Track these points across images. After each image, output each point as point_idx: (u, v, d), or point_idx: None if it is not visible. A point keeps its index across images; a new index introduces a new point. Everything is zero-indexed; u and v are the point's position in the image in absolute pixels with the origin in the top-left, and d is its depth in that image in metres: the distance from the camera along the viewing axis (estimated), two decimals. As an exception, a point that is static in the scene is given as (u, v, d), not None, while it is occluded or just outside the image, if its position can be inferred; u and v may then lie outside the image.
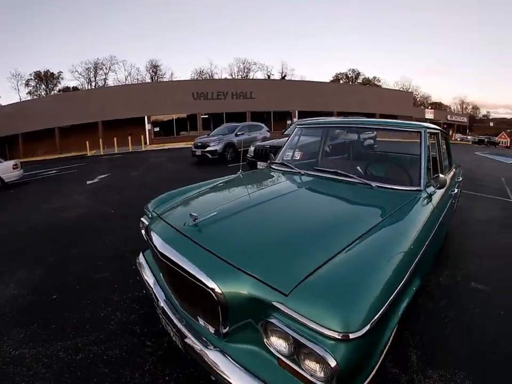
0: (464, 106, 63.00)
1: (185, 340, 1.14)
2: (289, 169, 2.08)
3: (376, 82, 55.71)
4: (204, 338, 1.10)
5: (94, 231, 3.36)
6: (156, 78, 42.76)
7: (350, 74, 59.80)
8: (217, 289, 0.99)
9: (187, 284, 1.12)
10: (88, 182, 6.51)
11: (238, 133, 8.73)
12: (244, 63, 46.22)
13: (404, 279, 1.03)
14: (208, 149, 8.12)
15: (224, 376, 0.97)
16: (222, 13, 71.12)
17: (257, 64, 49.19)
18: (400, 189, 1.61)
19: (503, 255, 2.68)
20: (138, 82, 38.55)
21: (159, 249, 1.26)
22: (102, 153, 15.07)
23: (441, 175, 1.64)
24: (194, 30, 71.62)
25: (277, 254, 1.06)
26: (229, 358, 1.01)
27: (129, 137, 15.96)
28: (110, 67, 41.41)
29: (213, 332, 1.10)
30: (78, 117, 18.45)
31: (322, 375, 0.82)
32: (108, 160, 11.72)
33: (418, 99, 54.16)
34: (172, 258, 1.17)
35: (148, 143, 19.07)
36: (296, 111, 22.55)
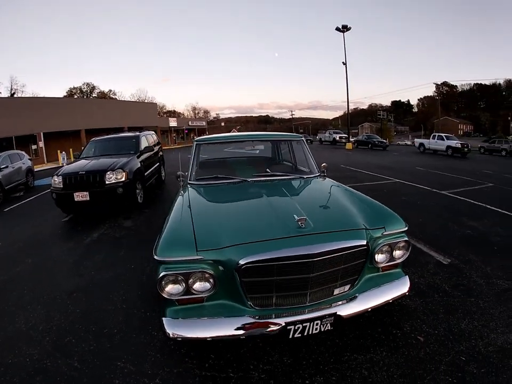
0: (196, 112, 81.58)
1: (319, 321, 1.71)
2: (224, 181, 2.78)
3: (111, 96, 59.14)
4: (340, 302, 1.82)
5: None
6: None
7: (84, 88, 60.13)
8: (364, 244, 1.77)
9: (327, 268, 1.71)
10: None
11: (1, 167, 7.68)
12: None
13: None
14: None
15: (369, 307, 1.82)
16: None
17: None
18: (311, 176, 3.02)
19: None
20: None
21: (281, 261, 1.64)
22: None
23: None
24: None
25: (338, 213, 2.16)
26: (360, 295, 1.83)
27: None
28: None
29: (347, 289, 1.84)
30: None
31: None
32: None
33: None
34: (296, 255, 1.64)
35: None
36: (41, 133, 20.32)
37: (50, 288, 3.05)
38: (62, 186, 5.08)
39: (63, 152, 13.04)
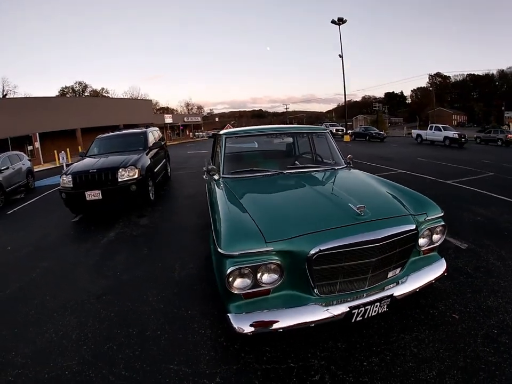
0: (190, 108, 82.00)
1: (378, 303, 1.84)
2: (260, 174, 2.85)
3: (104, 94, 59.44)
4: (391, 285, 1.97)
5: None
6: None
7: (76, 87, 61.42)
8: (414, 228, 1.92)
9: (385, 252, 1.82)
10: None
11: (2, 168, 7.63)
12: None
13: None
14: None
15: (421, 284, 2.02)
16: None
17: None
18: (340, 167, 3.14)
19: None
20: None
21: (346, 247, 1.73)
22: None
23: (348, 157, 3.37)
24: None
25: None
26: (409, 277, 2.01)
27: None
28: None
29: (398, 271, 1.98)
30: None
31: None
32: None
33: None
34: (364, 241, 1.74)
35: None
36: (37, 134, 20.26)
37: (75, 292, 2.97)
38: (72, 185, 5.06)
39: (62, 152, 12.92)
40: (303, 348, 2.04)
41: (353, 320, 1.85)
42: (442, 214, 2.29)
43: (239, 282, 1.74)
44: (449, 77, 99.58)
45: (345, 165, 3.25)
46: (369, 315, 1.89)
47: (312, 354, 1.97)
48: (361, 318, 1.87)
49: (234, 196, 2.43)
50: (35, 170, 10.58)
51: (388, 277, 2.01)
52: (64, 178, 5.17)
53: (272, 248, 1.75)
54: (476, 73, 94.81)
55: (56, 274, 3.44)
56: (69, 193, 5.11)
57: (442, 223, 2.25)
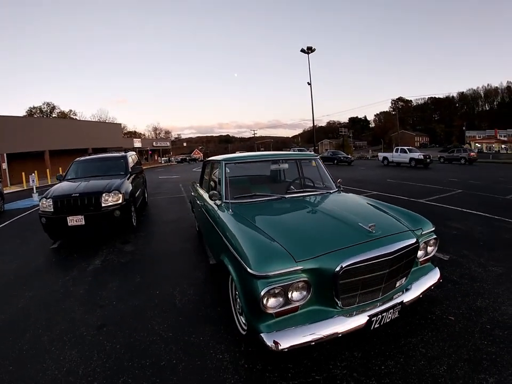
0: (158, 132, 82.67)
1: (391, 310, 2.07)
2: (263, 199, 3.03)
3: (72, 116, 58.72)
4: (399, 293, 2.21)
5: None
6: None
7: (44, 108, 61.77)
8: (415, 242, 2.20)
9: (394, 264, 2.06)
10: None
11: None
12: None
13: None
14: None
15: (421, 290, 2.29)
16: None
17: None
18: (333, 191, 3.41)
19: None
20: None
21: (369, 261, 1.95)
22: None
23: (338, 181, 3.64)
24: None
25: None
26: (412, 285, 2.29)
27: None
28: None
29: (404, 281, 2.24)
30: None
31: None
32: None
33: (117, 130, 63.97)
34: (380, 255, 1.97)
35: None
36: (5, 154, 19.50)
37: (71, 323, 2.84)
38: (52, 209, 4.89)
39: (32, 174, 12.29)
40: (323, 360, 2.17)
41: (372, 328, 2.05)
42: (434, 228, 2.64)
43: (272, 302, 1.85)
44: (411, 101, 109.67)
45: (337, 189, 3.53)
46: (384, 322, 2.10)
47: (333, 365, 2.11)
48: (378, 325, 2.07)
49: (246, 219, 2.56)
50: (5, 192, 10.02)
51: (396, 286, 2.25)
52: (44, 202, 4.98)
53: (302, 267, 1.91)
54: (437, 96, 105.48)
55: (45, 304, 3.25)
56: (50, 218, 4.91)
57: (435, 236, 2.60)
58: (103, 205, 5.06)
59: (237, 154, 4.11)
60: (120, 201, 5.23)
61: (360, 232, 2.18)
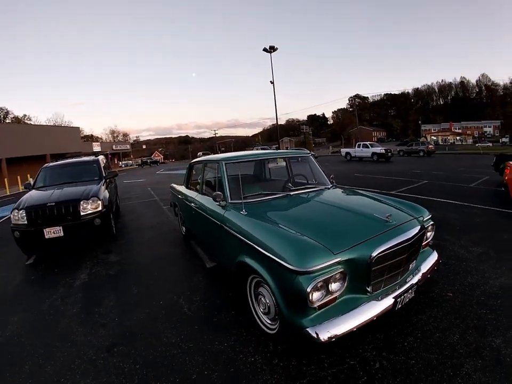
0: (115, 135, 79.26)
1: (410, 290, 2.31)
2: (267, 197, 3.12)
3: (27, 121, 55.45)
4: (411, 276, 2.45)
5: None
6: None
7: None
8: (421, 228, 2.44)
9: (410, 249, 2.30)
10: None
11: None
12: None
13: None
14: None
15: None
16: None
17: None
18: (330, 186, 3.63)
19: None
20: None
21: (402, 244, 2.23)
22: None
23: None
24: None
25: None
26: (421, 266, 2.56)
27: None
28: None
29: (414, 263, 2.50)
30: None
31: None
32: None
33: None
34: (402, 241, 2.22)
35: None
36: None
37: (74, 348, 2.59)
38: (26, 222, 4.54)
39: None
40: (351, 347, 2.34)
41: (396, 308, 2.27)
42: (430, 215, 2.94)
43: (316, 296, 1.96)
44: (367, 97, 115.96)
45: (332, 184, 3.75)
46: (404, 302, 2.35)
47: (362, 349, 2.30)
48: (400, 305, 2.30)
49: (264, 218, 2.63)
50: None
51: (409, 268, 2.53)
52: (16, 214, 4.58)
53: (340, 259, 2.03)
54: (393, 92, 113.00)
55: (37, 329, 2.97)
56: (24, 231, 4.53)
57: (432, 222, 2.91)
58: (82, 213, 4.78)
59: (233, 154, 4.14)
60: (99, 208, 4.98)
61: (379, 222, 2.39)
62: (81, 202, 4.85)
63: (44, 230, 4.56)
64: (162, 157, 66.00)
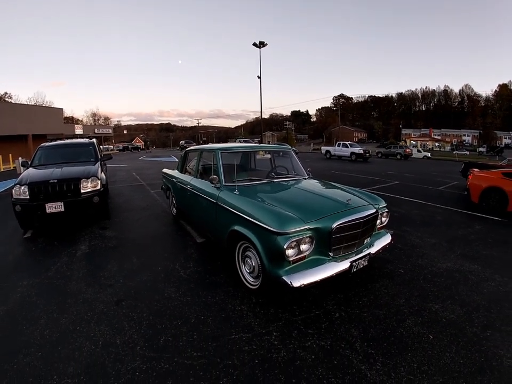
0: (96, 118, 76.71)
1: (363, 258, 2.94)
2: (256, 182, 3.82)
3: (7, 99, 51.99)
4: (366, 248, 3.08)
5: None
6: None
7: None
8: (375, 212, 3.16)
9: (365, 226, 2.95)
10: None
11: None
12: None
13: None
14: None
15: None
16: None
17: None
18: (307, 177, 4.35)
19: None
20: None
21: (362, 219, 2.92)
22: None
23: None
24: None
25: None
26: (375, 243, 3.25)
27: None
28: None
29: (369, 239, 3.20)
30: None
31: None
32: None
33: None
34: (356, 218, 2.87)
35: None
36: None
37: (86, 304, 2.96)
38: (29, 197, 4.82)
39: None
40: (317, 301, 3.01)
41: (351, 271, 2.93)
42: (386, 204, 3.65)
43: (290, 252, 2.59)
44: (352, 98, 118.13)
45: (308, 175, 4.48)
46: (359, 267, 3.00)
47: (325, 304, 2.98)
48: (355, 269, 2.97)
49: (254, 196, 3.29)
50: None
51: (364, 243, 3.20)
52: (18, 189, 4.83)
53: (309, 226, 2.69)
54: (377, 95, 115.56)
55: (47, 290, 3.25)
56: (26, 205, 4.80)
57: (387, 210, 3.61)
58: (82, 191, 5.12)
59: (228, 144, 4.78)
60: (98, 187, 5.32)
61: (341, 204, 3.07)
62: (82, 180, 5.18)
63: (46, 205, 4.86)
64: (143, 143, 64.94)
